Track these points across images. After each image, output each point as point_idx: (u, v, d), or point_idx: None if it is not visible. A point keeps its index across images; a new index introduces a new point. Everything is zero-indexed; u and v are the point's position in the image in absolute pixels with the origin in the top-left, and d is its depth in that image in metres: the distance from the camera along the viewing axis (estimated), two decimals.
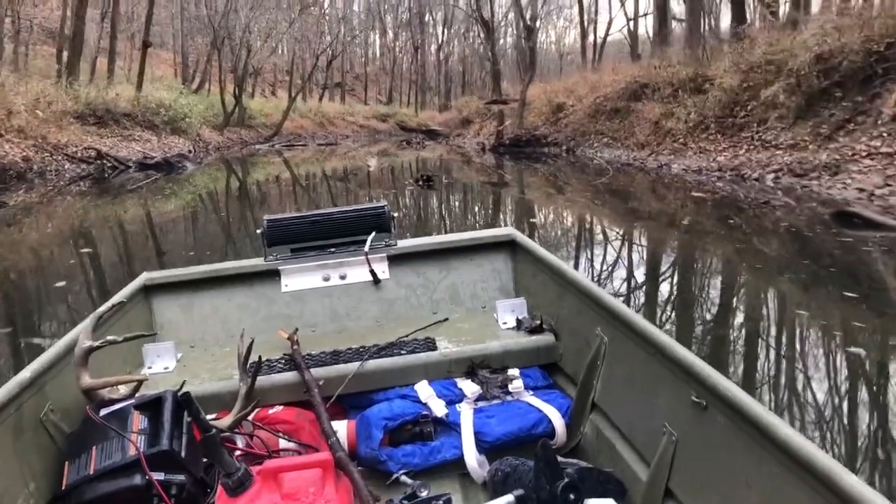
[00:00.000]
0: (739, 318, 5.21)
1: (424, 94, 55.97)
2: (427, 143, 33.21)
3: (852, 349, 4.34)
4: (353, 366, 2.27)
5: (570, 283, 2.34)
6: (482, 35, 40.13)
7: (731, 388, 1.46)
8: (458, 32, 57.96)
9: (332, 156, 26.79)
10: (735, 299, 5.68)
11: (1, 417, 1.68)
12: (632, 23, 38.70)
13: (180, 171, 18.55)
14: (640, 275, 6.60)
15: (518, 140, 23.85)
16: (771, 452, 1.30)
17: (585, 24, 40.19)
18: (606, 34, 42.48)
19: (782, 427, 1.29)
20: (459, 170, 19.88)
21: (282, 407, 2.19)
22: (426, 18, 54.62)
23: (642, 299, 5.72)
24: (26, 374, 1.82)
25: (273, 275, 2.83)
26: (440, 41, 57.12)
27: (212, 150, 27.09)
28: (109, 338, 1.98)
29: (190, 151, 24.13)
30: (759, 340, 4.76)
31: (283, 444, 2.06)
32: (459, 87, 57.31)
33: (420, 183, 13.85)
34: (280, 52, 47.33)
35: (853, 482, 1.11)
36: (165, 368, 2.46)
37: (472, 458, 2.06)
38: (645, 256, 7.56)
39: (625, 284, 6.14)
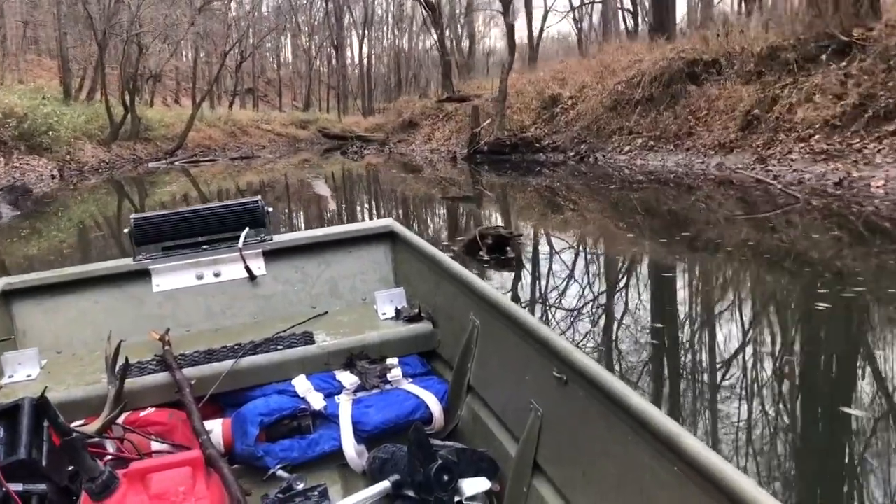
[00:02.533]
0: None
1: (346, 98, 53.02)
2: (365, 151, 27.69)
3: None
4: (228, 363, 2.24)
5: (446, 271, 2.37)
6: (428, 22, 36.02)
7: (586, 361, 1.51)
8: (379, 31, 56.03)
9: (248, 172, 21.98)
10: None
11: None
12: (576, 12, 36.44)
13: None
14: None
15: (500, 145, 18.44)
16: (625, 420, 1.35)
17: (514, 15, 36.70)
18: (542, 30, 36.75)
19: (633, 396, 1.34)
20: (441, 191, 14.43)
21: (154, 409, 2.14)
22: (344, 17, 52.89)
23: None
24: None
25: (143, 275, 2.75)
26: (360, 39, 54.55)
27: (90, 172, 21.63)
28: None
29: (54, 176, 19.73)
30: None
31: (155, 446, 2.01)
32: (381, 90, 55.42)
33: (487, 249, 6.77)
34: (182, 55, 43.60)
35: (693, 443, 1.17)
36: (28, 376, 2.36)
37: (351, 448, 2.07)
38: None
39: None
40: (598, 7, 36.00)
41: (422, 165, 20.25)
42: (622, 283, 6.22)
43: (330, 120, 45.01)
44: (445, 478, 1.72)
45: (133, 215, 2.81)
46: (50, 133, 21.17)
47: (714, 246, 7.18)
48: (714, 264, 6.59)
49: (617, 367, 4.04)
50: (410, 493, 1.77)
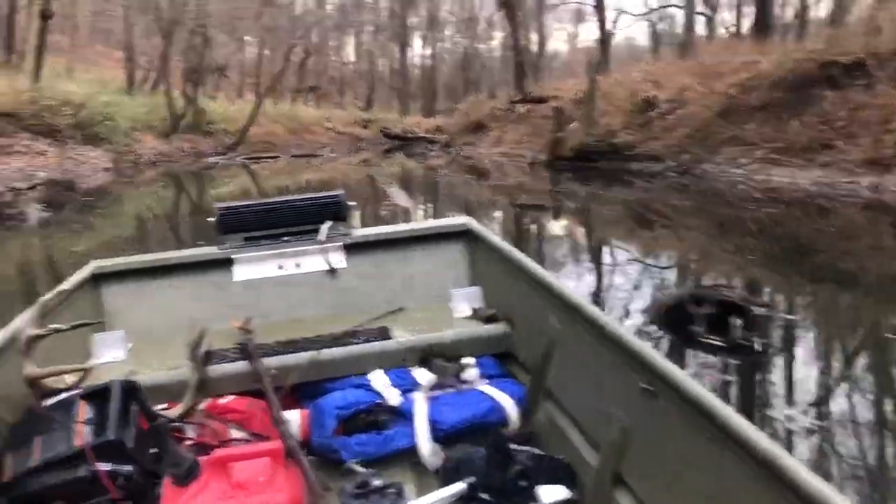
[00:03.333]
0: None
1: (408, 98, 52.01)
2: (430, 152, 25.87)
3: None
4: (307, 355, 2.26)
5: (525, 273, 2.34)
6: (499, 21, 34.14)
7: (678, 374, 1.47)
8: (443, 31, 54.80)
9: (309, 171, 20.57)
10: None
11: None
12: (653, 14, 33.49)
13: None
14: None
15: (587, 151, 16.23)
16: (717, 437, 1.31)
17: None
18: (604, 35, 35.01)
19: (728, 412, 1.30)
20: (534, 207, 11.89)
21: (234, 397, 2.17)
22: (408, 16, 50.96)
23: None
24: None
25: (226, 263, 2.80)
26: (424, 39, 53.33)
27: (146, 165, 20.32)
28: (54, 326, 1.94)
29: (108, 168, 18.39)
30: None
31: (234, 433, 2.04)
32: (443, 91, 53.89)
33: (708, 325, 4.23)
34: (247, 49, 42.26)
35: (794, 466, 1.12)
36: (115, 358, 2.42)
37: (426, 446, 2.06)
38: None
39: None
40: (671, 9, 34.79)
41: (489, 170, 18.80)
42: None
43: (391, 120, 43.50)
44: (523, 483, 1.70)
45: (218, 204, 2.87)
46: (107, 123, 19.88)
47: None
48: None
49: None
50: (486, 497, 1.75)
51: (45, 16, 21.10)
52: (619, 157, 15.64)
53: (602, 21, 24.76)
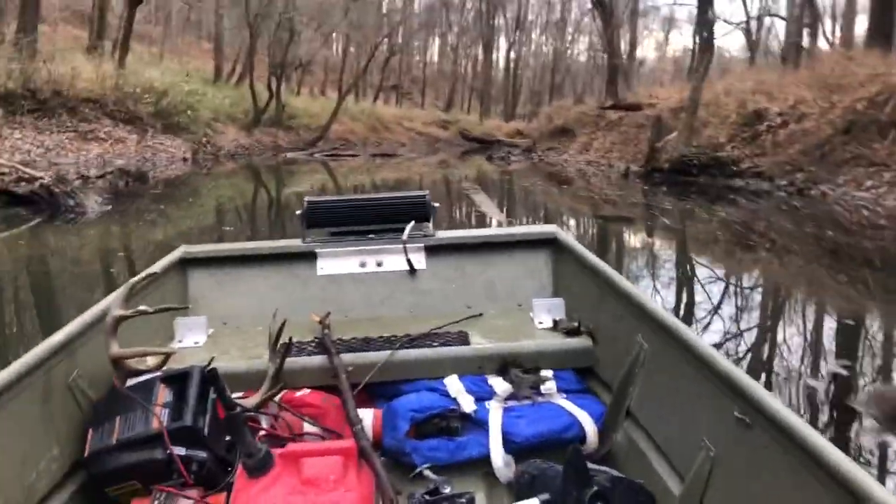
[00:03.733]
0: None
1: (489, 100, 51.43)
2: (512, 157, 24.93)
3: None
4: (384, 354, 2.24)
5: (612, 287, 2.26)
6: (599, 22, 32.21)
7: (776, 405, 1.39)
8: (530, 34, 54.00)
9: (387, 169, 20.09)
10: None
11: (29, 379, 1.67)
12: (753, 22, 31.94)
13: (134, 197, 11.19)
14: None
15: (687, 164, 15.20)
16: (817, 476, 1.22)
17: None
18: (710, 38, 34.44)
19: (831, 450, 1.22)
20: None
21: (309, 390, 2.16)
22: (495, 17, 50.10)
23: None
24: (57, 337, 1.82)
25: (310, 257, 2.81)
26: (511, 41, 52.02)
27: (225, 157, 20.28)
28: (141, 308, 1.97)
29: (186, 158, 18.22)
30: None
31: (307, 427, 2.03)
32: (525, 95, 53.56)
33: None
34: (333, 46, 42.76)
35: None
36: (196, 343, 2.46)
37: (499, 457, 2.01)
38: None
39: None
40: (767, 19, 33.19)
41: (573, 178, 17.63)
42: None
43: (471, 122, 44.05)
44: None
45: (307, 198, 2.88)
46: (189, 113, 19.80)
47: None
48: None
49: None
50: None
51: (134, 2, 21.21)
52: (721, 172, 14.65)
53: (709, 23, 23.02)
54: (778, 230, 9.56)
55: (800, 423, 1.31)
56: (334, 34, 39.68)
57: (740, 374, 1.53)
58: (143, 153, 16.98)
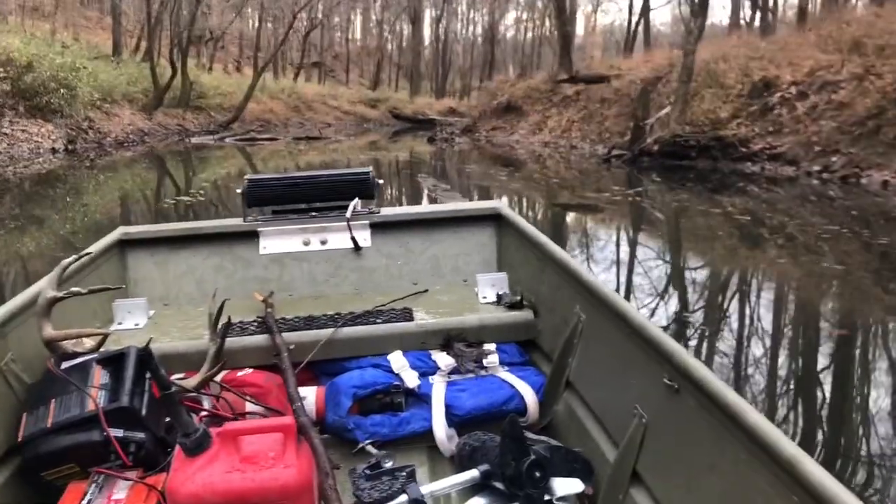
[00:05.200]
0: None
1: (419, 77, 49.53)
2: (457, 139, 22.19)
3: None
4: (327, 332, 2.25)
5: (554, 261, 2.30)
6: None
7: (702, 370, 1.43)
8: (458, 5, 51.37)
9: (313, 154, 17.87)
10: None
11: None
12: None
13: None
14: None
15: (681, 146, 12.90)
16: (738, 438, 1.27)
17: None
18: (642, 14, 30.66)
19: (751, 413, 1.26)
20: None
21: (251, 370, 2.16)
22: None
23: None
24: None
25: (251, 236, 2.79)
26: (439, 14, 49.35)
27: (114, 145, 17.17)
28: (74, 289, 1.94)
29: (57, 149, 15.07)
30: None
31: (249, 407, 2.03)
32: (455, 72, 52.08)
33: None
34: (249, 20, 40.18)
35: (816, 471, 1.08)
36: (136, 325, 2.43)
37: (442, 430, 2.04)
38: None
39: None
40: None
41: (526, 161, 15.59)
42: None
43: (400, 100, 42.01)
44: (538, 474, 1.66)
45: (247, 176, 2.85)
46: (63, 92, 15.97)
47: None
48: None
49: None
50: (499, 485, 1.72)
51: None
52: (726, 154, 12.43)
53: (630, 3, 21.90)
54: (808, 228, 7.81)
55: (723, 388, 1.35)
56: (248, 6, 36.93)
57: (669, 341, 1.56)
58: None
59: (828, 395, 3.88)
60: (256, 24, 38.22)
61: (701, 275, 6.49)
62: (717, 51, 15.75)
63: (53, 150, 15.08)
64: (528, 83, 24.27)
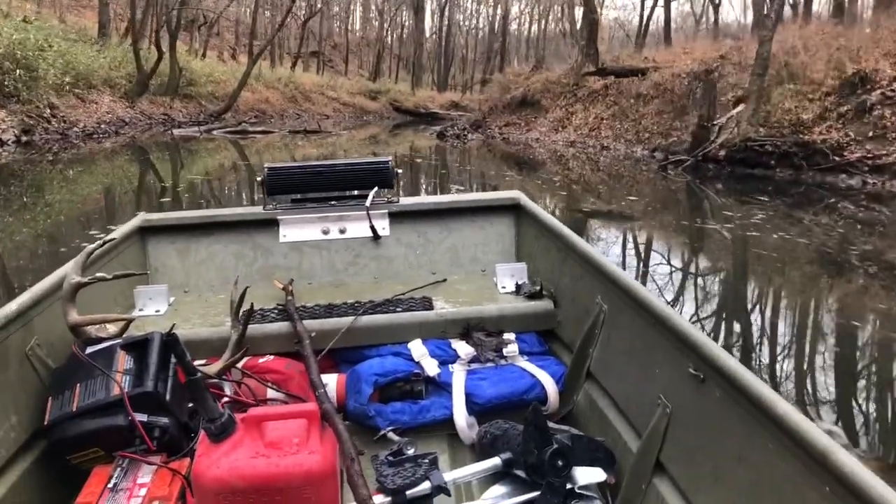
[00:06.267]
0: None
1: (421, 69, 48.42)
2: (469, 136, 20.15)
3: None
4: (347, 320, 2.26)
5: (572, 250, 2.30)
6: None
7: (729, 361, 1.42)
8: None
9: (315, 149, 16.61)
10: None
11: None
12: None
13: None
14: None
15: (754, 151, 10.97)
16: (766, 428, 1.27)
17: None
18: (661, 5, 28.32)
19: (780, 402, 1.25)
20: None
21: (272, 357, 2.17)
22: None
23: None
24: (12, 306, 1.79)
25: (271, 224, 2.80)
26: (442, 4, 48.32)
27: (82, 136, 15.07)
28: (99, 275, 1.95)
29: (5, 141, 12.83)
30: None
31: (271, 393, 2.04)
32: (458, 65, 51.25)
33: None
34: (244, 7, 38.63)
35: (848, 461, 1.08)
36: (157, 311, 2.44)
37: (462, 418, 2.05)
38: None
39: None
40: None
41: (553, 164, 13.54)
42: None
43: (402, 92, 40.81)
44: (560, 463, 1.66)
45: (267, 164, 2.85)
46: (21, 73, 13.99)
47: None
48: None
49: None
50: (521, 474, 1.72)
51: None
52: (813, 163, 10.39)
53: None
54: None
55: (750, 377, 1.34)
56: None
57: (694, 331, 1.56)
58: None
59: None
60: (253, 9, 35.90)
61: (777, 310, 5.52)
62: (790, 41, 13.01)
63: (0, 142, 12.85)
64: (545, 76, 22.24)
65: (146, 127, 18.35)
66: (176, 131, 18.27)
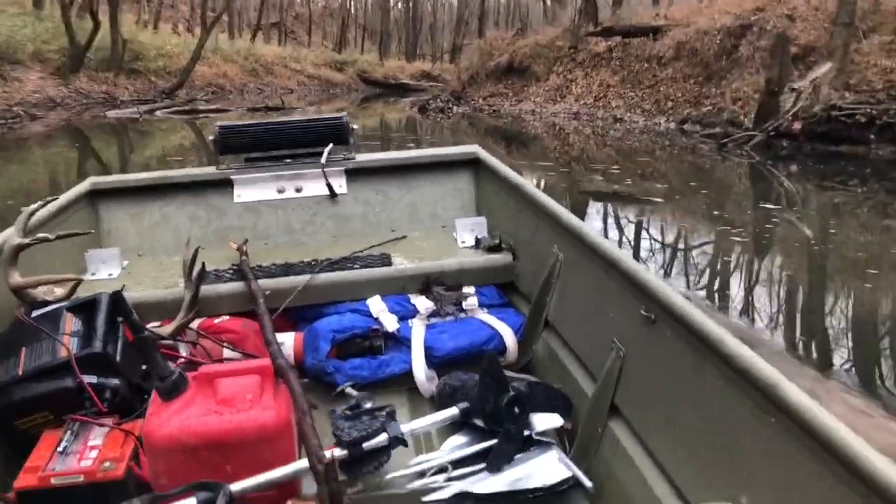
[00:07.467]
0: None
1: (388, 38, 47.18)
2: (454, 108, 18.13)
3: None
4: (304, 278, 2.23)
5: (532, 202, 2.30)
6: None
7: (678, 300, 1.43)
8: None
9: None
10: None
11: None
12: None
13: None
14: None
15: (841, 122, 8.81)
16: (716, 366, 1.27)
17: None
18: None
19: (728, 339, 1.26)
20: None
21: (228, 317, 2.14)
22: None
23: None
24: None
25: (225, 184, 2.75)
26: None
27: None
28: (41, 235, 1.90)
29: None
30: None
31: (226, 353, 2.02)
32: (425, 34, 50.01)
33: None
34: None
35: (794, 392, 1.09)
36: (109, 275, 2.40)
37: (421, 372, 2.04)
38: None
39: None
40: None
41: (571, 142, 11.46)
42: None
43: (370, 63, 39.09)
44: (516, 410, 1.66)
45: (219, 123, 2.80)
46: None
47: None
48: None
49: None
50: (479, 422, 1.72)
51: None
52: None
53: None
54: None
55: (699, 316, 1.35)
56: None
57: (645, 273, 1.56)
58: None
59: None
60: None
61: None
62: None
63: None
64: (534, 39, 19.88)
65: (82, 107, 16.23)
66: (110, 113, 15.89)
